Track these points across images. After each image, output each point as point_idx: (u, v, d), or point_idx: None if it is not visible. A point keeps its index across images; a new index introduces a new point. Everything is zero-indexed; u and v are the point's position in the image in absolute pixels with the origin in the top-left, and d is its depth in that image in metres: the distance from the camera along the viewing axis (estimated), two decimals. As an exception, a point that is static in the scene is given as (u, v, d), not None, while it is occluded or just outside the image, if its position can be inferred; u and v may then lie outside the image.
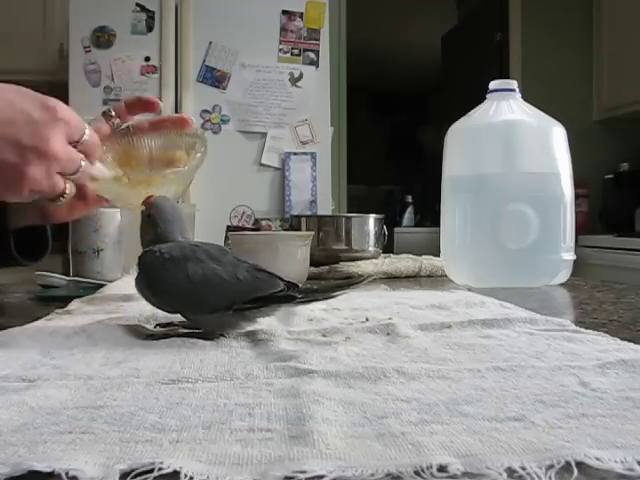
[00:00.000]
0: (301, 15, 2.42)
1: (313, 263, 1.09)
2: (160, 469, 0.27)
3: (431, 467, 0.27)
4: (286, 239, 1.02)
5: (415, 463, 0.28)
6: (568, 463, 0.28)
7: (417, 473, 0.27)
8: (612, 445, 0.30)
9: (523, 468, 0.27)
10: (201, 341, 0.56)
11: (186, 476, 0.27)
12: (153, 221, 0.62)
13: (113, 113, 0.67)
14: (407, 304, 0.78)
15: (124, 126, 0.67)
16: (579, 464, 0.28)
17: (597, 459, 0.28)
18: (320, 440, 0.30)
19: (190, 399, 0.38)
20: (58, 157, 0.54)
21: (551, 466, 0.28)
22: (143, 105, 0.68)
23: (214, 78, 2.36)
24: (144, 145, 0.67)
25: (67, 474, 0.27)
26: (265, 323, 0.63)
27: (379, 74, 5.10)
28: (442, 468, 0.27)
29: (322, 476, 0.27)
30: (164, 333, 0.59)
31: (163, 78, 2.33)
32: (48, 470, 0.27)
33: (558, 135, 1.05)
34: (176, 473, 0.27)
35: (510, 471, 0.27)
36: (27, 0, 2.81)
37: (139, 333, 0.59)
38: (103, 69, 2.31)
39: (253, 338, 0.57)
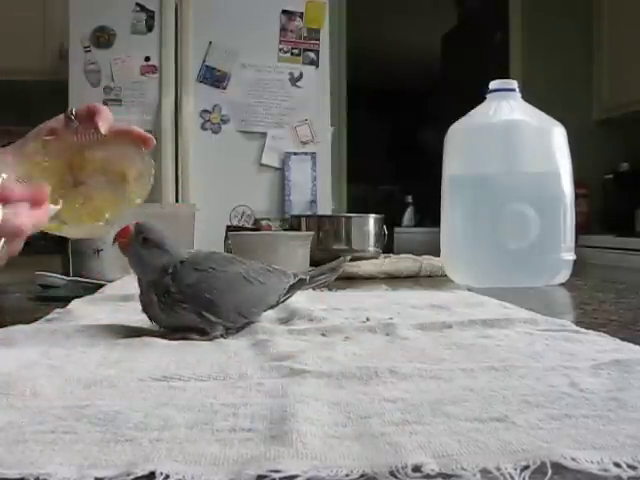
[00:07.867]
0: (301, 15, 2.41)
1: (313, 263, 1.09)
2: (134, 473, 0.27)
3: (406, 467, 0.27)
4: (286, 239, 1.02)
5: (390, 463, 0.28)
6: (544, 464, 0.27)
7: (392, 473, 0.27)
8: (590, 446, 0.30)
9: (498, 469, 0.27)
10: (201, 341, 0.56)
11: (162, 474, 0.27)
12: (156, 243, 0.58)
13: (74, 115, 0.63)
14: (407, 304, 0.78)
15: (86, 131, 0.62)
16: (555, 465, 0.27)
17: (573, 459, 0.28)
18: (298, 440, 0.30)
19: (178, 399, 0.38)
20: None
21: (526, 467, 0.27)
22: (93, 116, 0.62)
23: (214, 78, 2.36)
24: (99, 150, 0.62)
25: (37, 479, 0.27)
26: (266, 322, 0.63)
27: (379, 74, 5.09)
28: (417, 468, 0.27)
29: (296, 476, 0.27)
30: (164, 334, 0.59)
31: (163, 78, 2.33)
32: (18, 477, 0.27)
33: (558, 135, 1.05)
34: (152, 473, 0.27)
35: (485, 472, 0.27)
36: (27, 0, 2.81)
37: (139, 333, 0.59)
38: (103, 69, 2.31)
39: (253, 338, 0.57)
